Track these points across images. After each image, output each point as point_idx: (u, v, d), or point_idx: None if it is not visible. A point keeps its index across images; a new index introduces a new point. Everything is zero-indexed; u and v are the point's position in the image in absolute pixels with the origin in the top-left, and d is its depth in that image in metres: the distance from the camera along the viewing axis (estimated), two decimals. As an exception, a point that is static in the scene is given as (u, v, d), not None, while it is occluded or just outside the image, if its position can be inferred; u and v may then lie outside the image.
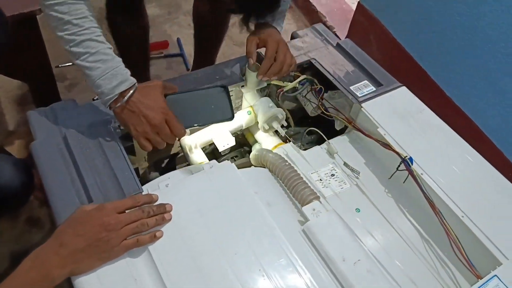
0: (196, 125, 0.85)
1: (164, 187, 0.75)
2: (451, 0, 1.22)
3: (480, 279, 0.70)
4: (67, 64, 1.73)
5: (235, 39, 2.03)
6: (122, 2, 1.26)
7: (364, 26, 1.63)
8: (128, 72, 0.77)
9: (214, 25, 1.50)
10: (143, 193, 0.74)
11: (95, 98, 1.59)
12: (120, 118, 0.78)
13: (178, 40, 1.94)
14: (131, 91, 0.75)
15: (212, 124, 0.91)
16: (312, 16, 2.10)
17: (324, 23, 1.96)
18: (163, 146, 0.79)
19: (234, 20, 2.21)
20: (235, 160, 1.07)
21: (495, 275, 0.70)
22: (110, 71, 0.74)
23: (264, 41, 0.95)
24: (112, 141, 0.80)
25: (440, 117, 0.93)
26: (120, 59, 0.77)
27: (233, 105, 1.05)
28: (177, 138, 0.80)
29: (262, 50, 1.05)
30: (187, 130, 0.92)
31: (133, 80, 0.77)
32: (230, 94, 0.92)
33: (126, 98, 0.75)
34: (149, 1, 2.09)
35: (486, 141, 1.24)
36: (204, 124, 0.87)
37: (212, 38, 1.54)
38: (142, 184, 0.77)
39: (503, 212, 0.79)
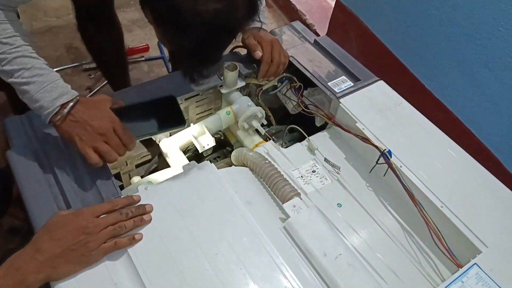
0: (148, 134, 0.82)
1: (143, 190, 0.75)
2: (426, -7, 1.23)
3: (461, 268, 0.71)
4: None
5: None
6: (90, 12, 1.25)
7: (343, 23, 1.64)
8: (69, 86, 0.74)
9: None
10: (123, 197, 0.74)
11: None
12: (62, 131, 0.73)
13: (158, 43, 1.94)
14: (72, 103, 0.72)
15: (165, 132, 0.88)
16: (292, 15, 2.10)
17: (304, 21, 1.97)
18: (114, 158, 0.74)
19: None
20: (217, 161, 1.07)
21: (475, 264, 0.71)
22: (49, 84, 0.71)
23: (258, 42, 0.97)
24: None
25: (422, 111, 0.94)
26: (58, 74, 0.74)
27: (212, 106, 1.05)
28: (127, 150, 0.76)
29: (242, 50, 1.07)
30: (158, 141, 0.91)
31: (75, 93, 0.73)
32: (206, 97, 0.93)
33: (67, 108, 0.71)
34: (128, 5, 2.08)
35: (466, 132, 1.25)
36: (156, 133, 0.84)
37: None
38: (123, 188, 0.77)
39: (481, 201, 0.80)
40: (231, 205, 0.74)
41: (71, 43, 1.86)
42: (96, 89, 1.68)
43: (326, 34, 1.75)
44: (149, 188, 0.75)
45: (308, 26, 1.91)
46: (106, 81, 1.68)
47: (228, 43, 0.74)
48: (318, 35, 1.19)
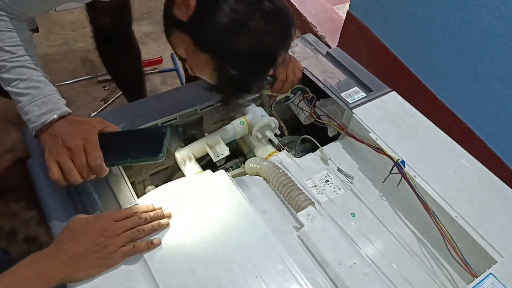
0: (118, 163, 0.76)
1: (159, 199, 0.76)
2: (437, 6, 1.24)
3: (476, 278, 0.71)
4: (63, 83, 1.75)
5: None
6: (108, 33, 1.27)
7: (354, 35, 1.65)
8: (62, 102, 0.72)
9: None
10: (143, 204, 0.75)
11: (90, 115, 1.60)
12: (40, 142, 0.71)
13: (172, 55, 1.96)
14: (56, 116, 0.70)
15: (138, 163, 0.81)
16: (304, 27, 2.12)
17: (316, 33, 1.99)
18: (74, 178, 0.68)
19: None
20: (230, 171, 1.08)
21: (491, 273, 0.70)
22: (40, 98, 0.70)
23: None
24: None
25: (434, 121, 0.94)
26: (55, 88, 0.73)
27: (226, 116, 1.06)
28: (93, 174, 0.71)
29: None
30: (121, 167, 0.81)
31: (65, 110, 0.71)
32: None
33: (49, 120, 0.69)
34: (142, 19, 2.11)
35: (480, 143, 1.25)
36: (129, 162, 0.76)
37: None
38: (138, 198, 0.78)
39: (496, 211, 0.79)
40: (246, 213, 0.75)
41: (86, 56, 1.90)
42: (110, 100, 1.71)
43: (337, 46, 1.76)
44: (166, 197, 0.76)
45: (319, 38, 1.93)
46: (120, 93, 1.71)
47: (268, 73, 0.75)
48: (329, 46, 1.20)
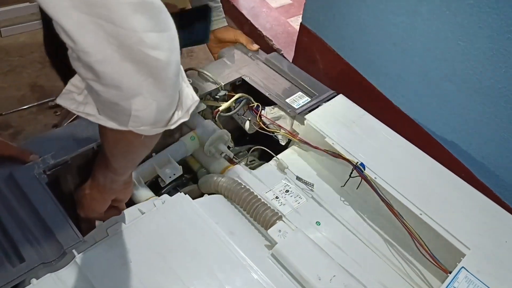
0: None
1: (113, 233, 0.65)
2: (386, 13, 1.23)
3: (449, 274, 0.70)
4: (10, 111, 1.55)
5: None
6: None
7: (309, 46, 1.62)
8: None
9: None
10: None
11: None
12: None
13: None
14: None
15: (188, 46, 0.96)
16: (259, 41, 2.04)
17: (272, 47, 1.94)
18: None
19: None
20: (178, 190, 0.98)
21: (463, 267, 0.70)
22: None
23: (221, 38, 1.07)
24: (39, 189, 0.66)
25: (392, 127, 0.93)
26: None
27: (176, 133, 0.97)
28: None
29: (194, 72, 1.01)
30: None
31: None
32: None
33: None
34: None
35: (437, 146, 1.23)
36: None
37: None
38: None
39: (456, 205, 0.79)
40: (215, 238, 0.67)
41: (35, 82, 1.70)
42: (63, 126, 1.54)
43: (293, 58, 1.72)
44: (121, 229, 0.66)
45: (276, 50, 1.87)
46: (73, 118, 1.54)
47: None
48: (286, 59, 1.16)
